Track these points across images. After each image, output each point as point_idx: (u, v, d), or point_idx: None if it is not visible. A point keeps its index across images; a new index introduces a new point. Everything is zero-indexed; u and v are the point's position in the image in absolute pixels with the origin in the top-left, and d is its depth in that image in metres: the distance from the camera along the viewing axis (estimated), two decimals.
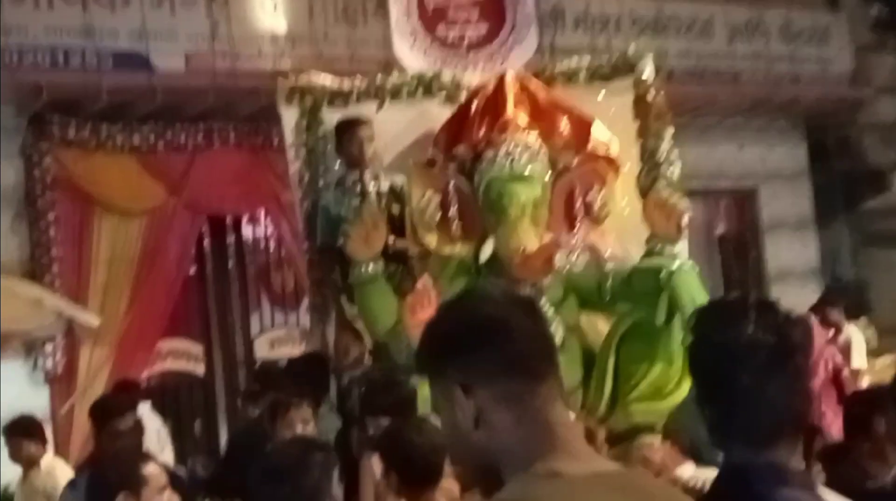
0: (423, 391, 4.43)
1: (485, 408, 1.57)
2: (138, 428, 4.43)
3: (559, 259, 4.45)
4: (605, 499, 1.53)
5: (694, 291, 4.27)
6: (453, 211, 4.84)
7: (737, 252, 11.67)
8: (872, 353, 10.14)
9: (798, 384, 1.91)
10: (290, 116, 5.52)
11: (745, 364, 1.86)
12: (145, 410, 6.29)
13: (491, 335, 1.60)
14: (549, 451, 1.56)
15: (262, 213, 8.99)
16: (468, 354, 1.61)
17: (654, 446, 4.30)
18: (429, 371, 1.68)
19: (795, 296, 11.37)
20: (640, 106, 5.29)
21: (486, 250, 4.72)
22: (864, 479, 3.50)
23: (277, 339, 8.82)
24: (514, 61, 5.66)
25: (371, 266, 4.80)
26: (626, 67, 5.36)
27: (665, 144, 5.18)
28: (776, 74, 10.85)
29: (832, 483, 4.72)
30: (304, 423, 3.84)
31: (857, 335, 8.19)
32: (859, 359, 7.95)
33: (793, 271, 11.77)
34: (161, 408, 7.40)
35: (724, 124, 11.10)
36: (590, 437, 4.32)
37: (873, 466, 3.58)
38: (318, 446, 2.77)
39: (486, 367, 1.59)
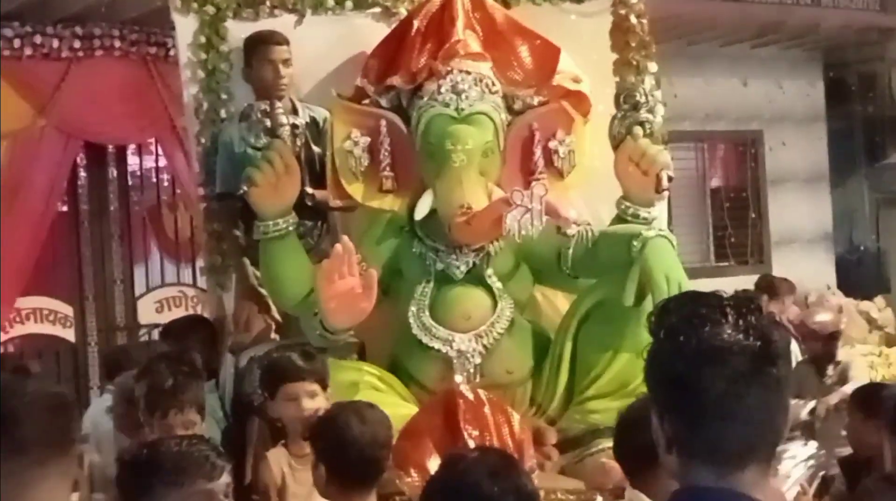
0: (341, 375, 4.47)
1: None
2: None
3: (511, 221, 4.43)
4: None
5: (669, 266, 4.29)
6: (384, 156, 4.81)
7: (734, 210, 11.80)
8: (889, 341, 10.35)
9: (777, 397, 1.96)
10: (185, 28, 5.43)
11: (720, 370, 1.90)
12: None
13: None
14: None
15: (153, 141, 8.91)
16: None
17: None
18: None
19: (802, 265, 11.62)
20: (619, 34, 5.28)
21: (423, 206, 4.71)
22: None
23: (167, 299, 8.79)
24: None
25: (280, 221, 4.75)
26: None
27: (647, 83, 5.18)
28: None
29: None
30: (187, 427, 3.85)
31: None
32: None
33: (800, 235, 11.96)
34: None
35: (725, 53, 11.17)
36: (538, 441, 4.38)
37: None
38: None
39: None
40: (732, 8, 10.48)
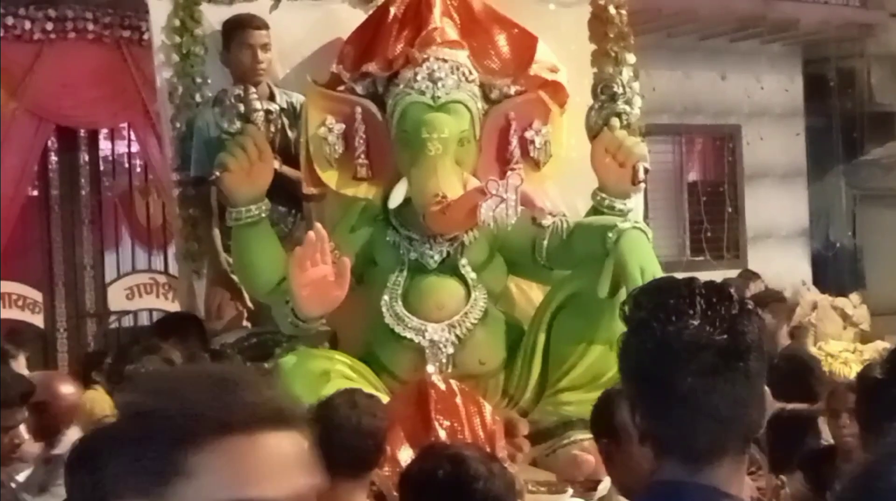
0: (312, 363, 4.46)
1: None
2: None
3: (486, 211, 4.43)
4: None
5: (644, 258, 4.32)
6: (359, 143, 4.81)
7: (710, 205, 11.82)
8: (864, 337, 10.41)
9: (748, 391, 1.95)
10: (159, 11, 5.43)
11: (687, 366, 1.90)
12: None
13: None
14: None
15: (126, 126, 8.87)
16: None
17: (587, 445, 4.38)
18: None
19: (778, 260, 11.66)
20: (597, 25, 5.28)
21: (397, 195, 4.71)
22: None
23: (138, 286, 8.76)
24: None
25: (253, 207, 4.74)
26: None
27: (624, 75, 5.18)
28: None
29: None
30: None
31: None
32: None
33: (777, 230, 11.99)
34: None
35: (704, 46, 11.18)
36: (510, 432, 4.39)
37: None
38: None
39: None
40: (712, 1, 10.50)
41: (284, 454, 1.34)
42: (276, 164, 5.01)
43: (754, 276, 9.57)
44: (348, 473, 3.41)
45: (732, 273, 10.15)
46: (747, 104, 11.77)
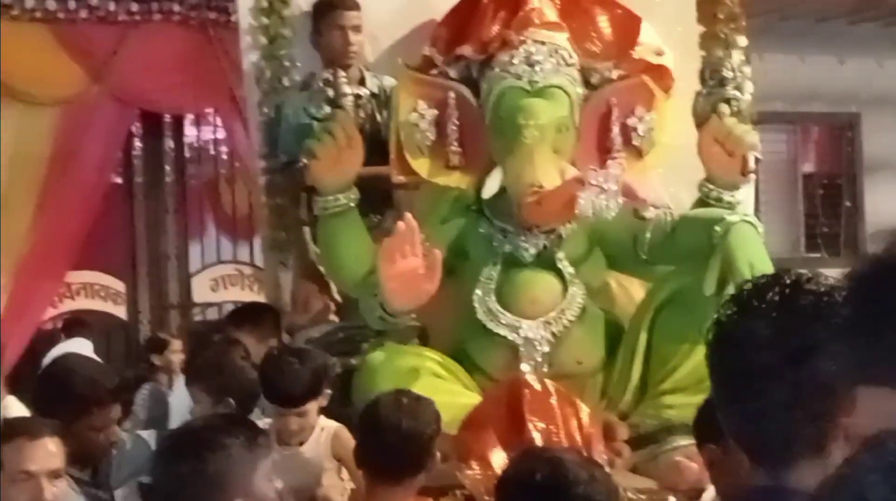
0: (401, 360, 4.47)
1: None
2: None
3: (585, 202, 4.40)
4: None
5: (753, 254, 4.25)
6: (452, 130, 4.80)
7: (827, 198, 11.67)
8: None
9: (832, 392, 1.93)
10: None
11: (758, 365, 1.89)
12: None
13: None
14: None
15: (212, 111, 8.98)
16: None
17: (690, 452, 4.33)
18: None
19: None
20: (707, 5, 5.23)
21: (492, 184, 4.69)
22: None
23: (222, 278, 8.87)
24: None
25: (341, 196, 4.75)
26: None
27: (735, 58, 5.11)
28: None
29: None
30: None
31: None
32: None
33: None
34: None
35: (820, 29, 11.01)
36: (609, 436, 4.36)
37: None
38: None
39: None
40: None
41: None
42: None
43: None
44: (389, 476, 3.45)
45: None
46: (867, 91, 11.56)
